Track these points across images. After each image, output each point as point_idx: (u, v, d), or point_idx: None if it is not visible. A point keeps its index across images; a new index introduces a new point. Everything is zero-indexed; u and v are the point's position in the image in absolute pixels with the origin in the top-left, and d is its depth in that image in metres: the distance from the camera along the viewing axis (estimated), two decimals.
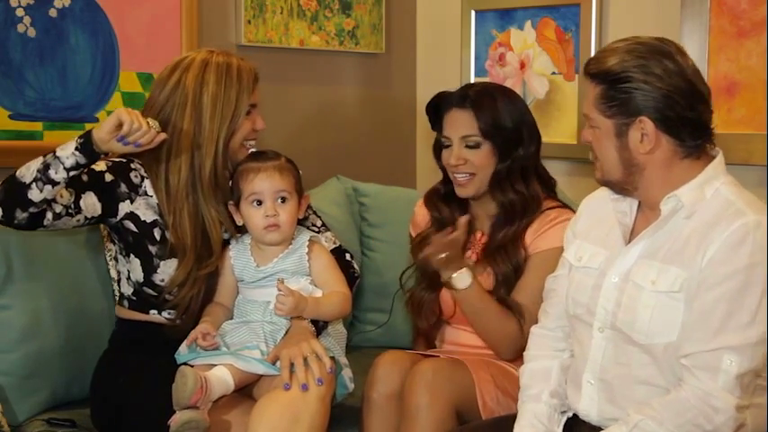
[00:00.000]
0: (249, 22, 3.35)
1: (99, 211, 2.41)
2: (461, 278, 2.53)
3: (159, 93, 2.48)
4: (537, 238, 2.60)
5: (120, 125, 2.26)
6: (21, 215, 2.30)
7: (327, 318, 2.48)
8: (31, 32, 2.89)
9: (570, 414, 2.23)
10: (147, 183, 2.48)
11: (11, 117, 2.88)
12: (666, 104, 2.02)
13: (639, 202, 2.18)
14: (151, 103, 2.50)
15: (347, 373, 2.49)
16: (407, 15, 3.83)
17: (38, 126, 2.93)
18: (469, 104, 2.63)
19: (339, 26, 3.59)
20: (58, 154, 2.28)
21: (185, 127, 2.44)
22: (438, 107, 2.70)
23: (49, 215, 2.32)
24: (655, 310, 2.03)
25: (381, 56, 3.76)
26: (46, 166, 2.27)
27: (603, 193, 2.25)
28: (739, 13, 2.99)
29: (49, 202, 2.30)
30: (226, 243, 2.52)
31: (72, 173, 2.28)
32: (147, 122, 2.30)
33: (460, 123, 2.64)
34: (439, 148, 2.71)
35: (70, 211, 2.35)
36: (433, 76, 3.81)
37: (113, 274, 2.66)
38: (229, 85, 2.48)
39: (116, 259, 2.55)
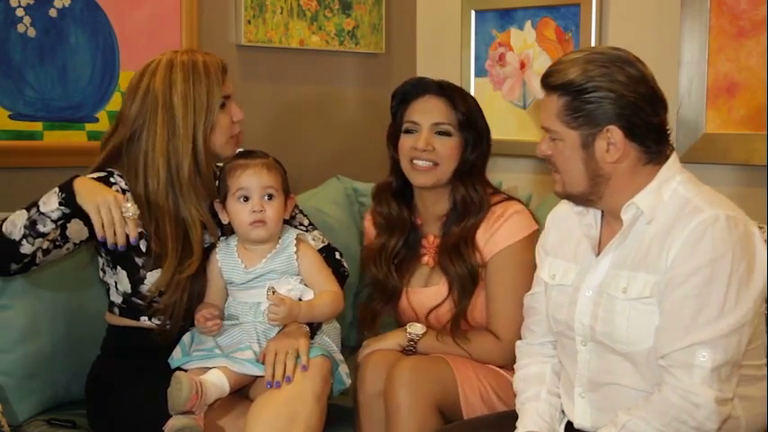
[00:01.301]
0: (249, 22, 3.35)
1: (86, 235, 2.40)
2: (414, 328, 2.59)
3: (131, 103, 2.46)
4: (490, 240, 2.58)
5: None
6: (15, 267, 2.32)
7: (321, 319, 2.48)
8: (31, 32, 2.89)
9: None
10: (129, 195, 2.45)
11: (11, 117, 2.88)
12: (633, 112, 2.02)
13: (603, 213, 2.18)
14: (124, 115, 2.47)
15: (344, 369, 2.48)
16: (407, 15, 3.83)
17: (38, 126, 2.93)
18: (446, 94, 2.63)
19: (339, 26, 3.59)
20: (42, 210, 2.29)
21: (159, 131, 2.42)
22: (406, 94, 2.68)
23: (39, 254, 2.33)
24: (630, 318, 2.05)
25: (381, 56, 3.76)
26: (32, 222, 2.28)
27: (567, 206, 2.25)
28: (739, 13, 2.99)
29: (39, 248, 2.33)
30: (211, 248, 2.50)
31: (60, 222, 2.31)
32: (122, 214, 2.31)
33: (435, 110, 2.63)
34: (395, 136, 2.69)
35: (58, 243, 2.35)
36: (433, 76, 3.77)
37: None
38: (197, 81, 2.44)
39: (103, 271, 2.52)
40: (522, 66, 3.53)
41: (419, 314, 2.65)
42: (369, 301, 2.72)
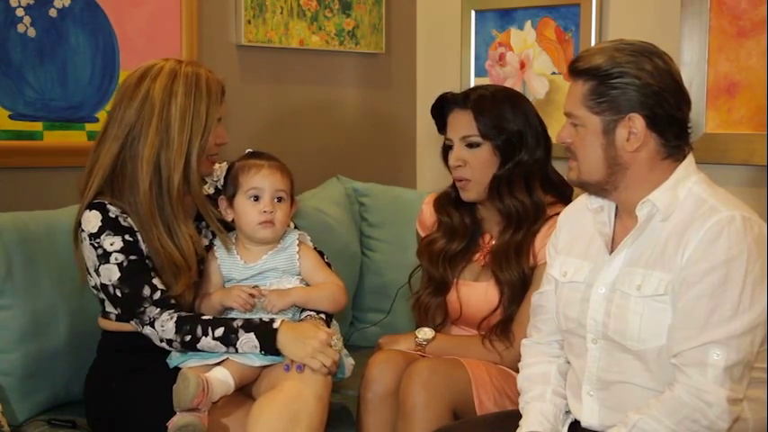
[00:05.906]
0: (249, 22, 3.35)
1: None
2: (423, 333, 2.62)
3: (128, 106, 2.40)
4: (544, 246, 2.55)
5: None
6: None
7: (321, 305, 2.48)
8: (31, 32, 2.88)
9: (573, 418, 2.24)
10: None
11: (11, 117, 2.87)
12: (657, 102, 2.04)
13: (617, 211, 2.18)
14: (117, 117, 2.41)
15: (349, 362, 2.49)
16: (407, 15, 3.83)
17: (38, 126, 2.93)
18: (470, 105, 2.61)
19: (339, 26, 3.59)
20: (240, 351, 2.33)
21: (151, 139, 2.37)
22: (442, 109, 2.68)
23: None
24: (643, 315, 2.05)
25: (381, 56, 3.76)
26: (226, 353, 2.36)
27: (580, 205, 2.26)
28: (739, 13, 2.99)
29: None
30: (209, 246, 2.51)
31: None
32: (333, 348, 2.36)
33: (461, 124, 2.62)
34: (446, 150, 2.69)
35: None
36: (433, 76, 3.81)
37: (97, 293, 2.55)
38: (199, 97, 2.39)
39: (97, 289, 2.47)
40: (522, 66, 3.53)
41: (464, 308, 2.65)
42: (421, 293, 2.72)
